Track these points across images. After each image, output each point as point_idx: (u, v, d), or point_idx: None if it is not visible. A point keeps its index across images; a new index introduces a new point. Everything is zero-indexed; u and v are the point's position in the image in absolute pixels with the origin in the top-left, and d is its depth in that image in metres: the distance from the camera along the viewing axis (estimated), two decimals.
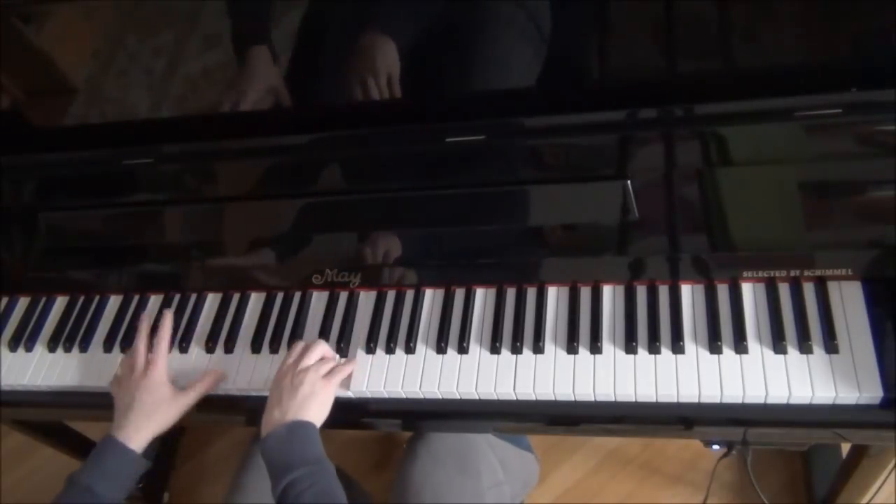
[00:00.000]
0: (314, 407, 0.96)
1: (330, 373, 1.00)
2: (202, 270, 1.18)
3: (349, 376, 1.03)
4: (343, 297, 1.12)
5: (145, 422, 1.01)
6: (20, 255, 1.24)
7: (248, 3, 1.06)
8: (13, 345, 1.20)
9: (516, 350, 1.01)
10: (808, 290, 0.96)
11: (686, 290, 1.00)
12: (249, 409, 1.08)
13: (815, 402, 0.90)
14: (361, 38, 1.04)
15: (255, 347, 1.10)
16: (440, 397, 1.01)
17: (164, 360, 1.06)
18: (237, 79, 1.09)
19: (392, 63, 1.04)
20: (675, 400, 0.94)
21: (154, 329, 1.10)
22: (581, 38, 1.00)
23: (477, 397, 1.00)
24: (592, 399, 0.96)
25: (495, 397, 0.99)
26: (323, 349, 1.03)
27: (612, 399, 0.96)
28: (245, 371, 1.09)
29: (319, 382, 0.98)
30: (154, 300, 1.20)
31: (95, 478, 0.96)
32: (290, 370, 0.99)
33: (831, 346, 0.91)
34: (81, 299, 1.23)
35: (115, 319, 1.19)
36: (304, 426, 0.94)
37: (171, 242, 1.17)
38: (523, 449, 1.27)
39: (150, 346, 1.07)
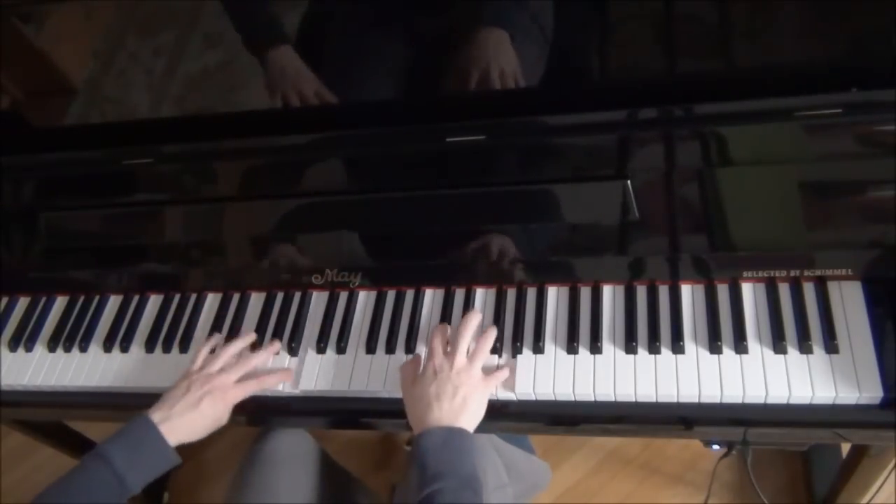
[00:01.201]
0: (473, 409, 0.93)
1: (490, 375, 0.97)
2: (202, 270, 1.18)
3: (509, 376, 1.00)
4: (343, 297, 1.12)
5: (190, 424, 0.99)
6: (20, 255, 1.24)
7: (248, 3, 1.06)
8: (13, 345, 1.20)
9: (516, 350, 1.01)
10: (808, 290, 0.96)
11: (686, 290, 1.00)
12: (249, 409, 1.08)
13: (815, 402, 0.90)
14: (362, 39, 1.04)
15: (255, 348, 1.10)
16: None
17: (240, 375, 1.03)
18: (237, 79, 1.09)
19: (393, 63, 1.04)
20: (675, 400, 0.94)
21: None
22: (581, 38, 1.00)
23: None
24: (592, 399, 0.96)
25: (495, 397, 0.99)
26: (490, 342, 0.98)
27: (612, 399, 0.96)
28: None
29: (480, 385, 0.95)
30: (154, 300, 1.20)
31: (129, 466, 0.92)
32: (448, 363, 0.94)
33: (831, 346, 0.91)
34: (81, 299, 1.23)
35: (114, 319, 1.19)
36: (463, 436, 0.91)
37: (171, 242, 1.17)
38: (524, 449, 1.27)
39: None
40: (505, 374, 0.99)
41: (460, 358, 0.95)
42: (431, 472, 0.86)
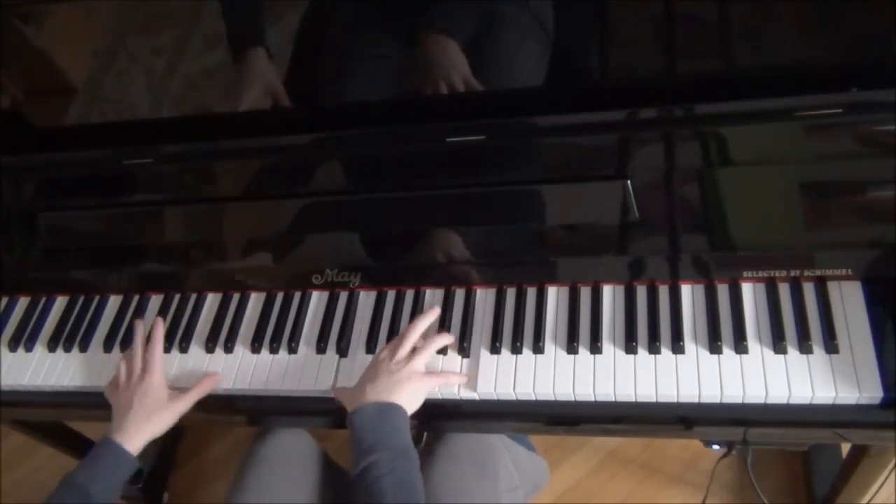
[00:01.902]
0: (407, 394, 0.95)
1: (432, 373, 0.99)
2: (202, 270, 1.18)
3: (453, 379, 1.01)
4: (343, 297, 1.12)
5: (144, 424, 1.02)
6: (20, 255, 1.24)
7: (248, 4, 1.06)
8: (13, 345, 1.20)
9: (516, 350, 1.01)
10: (808, 290, 0.96)
11: (686, 290, 1.00)
12: (249, 409, 1.08)
13: (815, 402, 0.90)
14: (362, 39, 1.04)
15: (255, 348, 1.10)
16: (440, 397, 1.01)
17: (160, 365, 1.06)
18: (238, 79, 1.09)
19: (393, 63, 1.04)
20: (675, 400, 0.94)
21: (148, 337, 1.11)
22: (581, 37, 1.00)
23: (477, 398, 1.00)
24: (592, 399, 0.96)
25: (495, 397, 0.99)
26: (438, 344, 1.01)
27: (612, 399, 0.96)
28: (245, 371, 1.09)
29: (417, 375, 0.96)
30: (154, 300, 1.20)
31: (90, 478, 0.97)
32: (392, 352, 0.98)
33: (831, 346, 0.91)
34: (81, 299, 1.23)
35: (115, 319, 1.19)
36: (396, 409, 0.93)
37: (171, 242, 1.17)
38: (525, 447, 1.27)
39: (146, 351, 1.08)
40: (454, 377, 1.00)
41: (402, 351, 0.97)
42: (366, 444, 0.89)
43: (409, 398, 0.96)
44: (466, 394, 1.00)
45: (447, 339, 1.02)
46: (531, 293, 1.05)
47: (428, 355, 0.99)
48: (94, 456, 0.99)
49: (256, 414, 1.12)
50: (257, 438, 1.15)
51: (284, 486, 1.09)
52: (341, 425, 1.00)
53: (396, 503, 0.86)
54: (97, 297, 1.22)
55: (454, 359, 1.02)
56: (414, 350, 0.99)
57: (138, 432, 1.02)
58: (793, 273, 0.97)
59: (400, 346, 0.98)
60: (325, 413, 1.09)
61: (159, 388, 1.05)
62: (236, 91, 1.09)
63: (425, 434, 1.19)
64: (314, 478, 1.12)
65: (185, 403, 1.05)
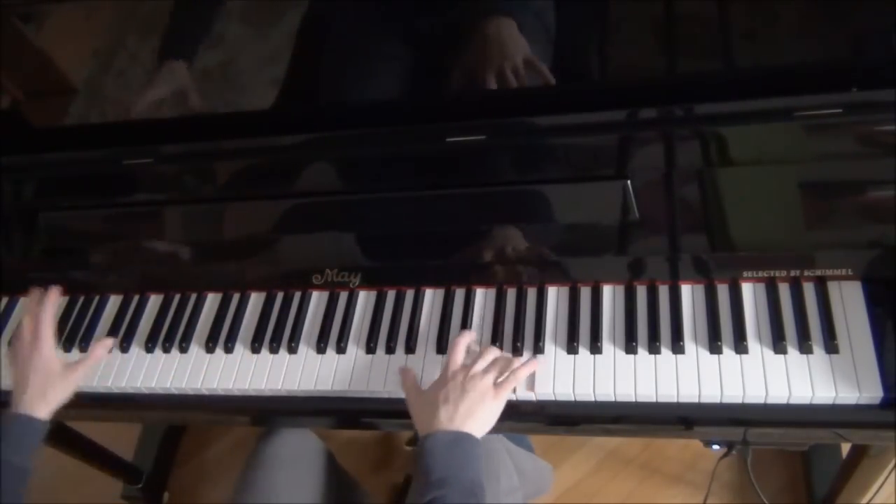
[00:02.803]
0: (482, 416, 0.92)
1: (503, 381, 0.95)
2: (202, 270, 1.18)
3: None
4: (343, 297, 1.12)
5: (41, 400, 1.01)
6: (20, 255, 1.24)
7: (249, 4, 1.06)
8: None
9: (516, 350, 1.01)
10: (808, 290, 0.96)
11: (686, 290, 1.00)
12: (251, 409, 1.08)
13: (816, 402, 0.90)
14: (363, 38, 1.04)
15: (255, 348, 1.10)
16: None
17: (48, 335, 1.05)
18: (239, 79, 1.09)
19: (393, 62, 1.04)
20: (675, 400, 0.94)
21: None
22: (582, 37, 1.00)
23: None
24: (592, 399, 0.96)
25: None
26: (495, 353, 0.98)
27: (612, 399, 0.96)
28: (244, 371, 1.08)
29: (491, 391, 0.93)
30: (154, 300, 1.20)
31: (10, 452, 0.95)
32: (463, 371, 0.94)
33: (831, 346, 0.91)
34: (81, 299, 1.23)
35: (114, 319, 1.19)
36: (471, 441, 0.90)
37: (171, 242, 1.17)
38: (524, 448, 1.27)
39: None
40: (523, 374, 0.96)
41: (477, 367, 0.94)
42: (435, 476, 0.86)
43: (487, 418, 0.93)
44: None
45: (533, 365, 0.98)
46: (531, 293, 1.05)
47: (511, 385, 0.95)
48: (4, 430, 0.98)
49: (259, 414, 1.12)
50: (262, 438, 1.15)
51: (290, 486, 1.09)
52: (343, 426, 1.00)
53: None
54: (97, 297, 1.22)
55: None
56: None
57: (40, 404, 1.00)
58: (793, 273, 0.97)
59: (476, 362, 0.95)
60: (327, 413, 1.09)
61: (49, 360, 1.03)
62: (236, 91, 1.09)
63: None
64: (319, 478, 1.12)
65: (78, 374, 1.04)
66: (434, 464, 0.87)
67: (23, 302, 1.08)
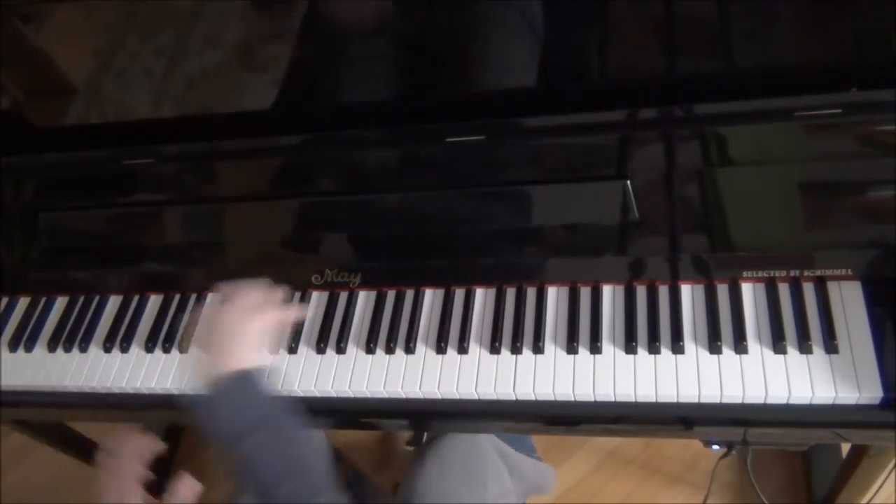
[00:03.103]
0: (241, 344, 0.84)
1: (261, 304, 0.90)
2: (202, 270, 1.18)
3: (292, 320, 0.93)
4: (343, 297, 1.12)
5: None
6: (20, 255, 1.24)
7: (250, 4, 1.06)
8: (13, 345, 1.20)
9: (516, 350, 1.01)
10: (808, 290, 0.96)
11: (686, 290, 1.00)
12: None
13: (815, 402, 0.90)
14: (362, 38, 1.04)
15: None
16: (439, 397, 1.01)
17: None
18: (239, 79, 1.09)
19: (392, 62, 1.04)
20: (674, 400, 0.94)
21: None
22: (581, 37, 1.00)
23: (477, 397, 1.00)
24: (592, 399, 0.96)
25: (495, 397, 0.99)
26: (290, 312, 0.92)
27: (612, 399, 0.96)
28: None
29: (239, 316, 0.86)
30: (154, 300, 1.20)
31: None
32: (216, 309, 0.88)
33: (831, 346, 0.91)
34: (81, 299, 1.23)
35: (114, 319, 1.19)
36: (234, 381, 0.81)
37: (171, 242, 1.17)
38: (525, 450, 1.27)
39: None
40: (286, 313, 0.91)
41: (227, 303, 0.89)
42: (222, 436, 0.80)
43: (249, 347, 0.85)
44: (466, 394, 1.00)
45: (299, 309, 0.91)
46: (531, 293, 1.05)
47: (249, 300, 0.89)
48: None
49: None
50: None
51: None
52: (343, 426, 0.99)
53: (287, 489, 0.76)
54: (97, 298, 1.22)
55: (454, 358, 1.02)
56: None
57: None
58: (793, 273, 0.97)
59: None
60: (326, 414, 1.09)
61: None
62: (236, 91, 1.10)
63: (425, 434, 1.19)
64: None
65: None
66: (213, 427, 0.80)
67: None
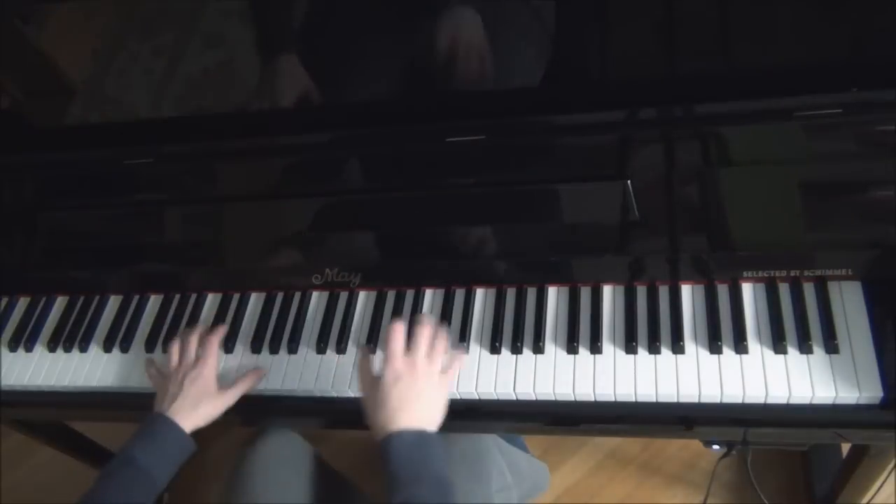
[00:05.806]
0: (437, 410, 0.93)
1: (447, 368, 0.96)
2: (202, 270, 1.18)
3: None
4: (343, 297, 1.12)
5: (191, 412, 1.00)
6: (20, 255, 1.24)
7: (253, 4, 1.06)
8: (13, 345, 1.20)
9: (516, 350, 1.01)
10: (808, 290, 0.96)
11: (686, 290, 1.00)
12: (246, 409, 1.08)
13: (815, 402, 0.90)
14: (362, 38, 1.04)
15: (256, 348, 1.10)
16: None
17: (214, 358, 1.06)
18: (238, 79, 1.09)
19: (392, 62, 1.04)
20: (675, 400, 0.94)
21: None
22: (581, 37, 1.00)
23: (477, 397, 1.00)
24: (592, 399, 0.96)
25: (495, 397, 0.99)
26: (428, 332, 0.97)
27: (612, 399, 0.96)
28: (244, 371, 1.08)
29: (439, 383, 0.94)
30: (154, 300, 1.20)
31: (152, 460, 0.95)
32: (407, 365, 0.93)
33: (831, 346, 0.91)
34: (81, 299, 1.23)
35: (114, 319, 1.19)
36: (433, 439, 0.90)
37: (171, 242, 1.17)
38: (518, 447, 1.27)
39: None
40: (458, 364, 0.99)
41: (421, 360, 0.94)
42: (403, 477, 0.87)
43: (441, 409, 0.93)
44: (466, 394, 1.00)
45: (446, 333, 0.98)
46: (531, 293, 1.05)
47: (440, 358, 0.96)
48: (152, 434, 0.97)
49: (252, 414, 1.11)
50: (247, 441, 1.14)
51: (274, 491, 1.08)
52: (337, 425, 0.99)
53: None
54: (97, 297, 1.22)
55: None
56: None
57: (186, 419, 1.00)
58: (793, 273, 0.97)
59: (416, 354, 0.94)
60: (324, 413, 1.09)
61: (209, 378, 1.03)
62: (236, 91, 1.10)
63: None
64: (305, 482, 1.11)
65: (231, 396, 1.04)
66: (400, 466, 0.88)
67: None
